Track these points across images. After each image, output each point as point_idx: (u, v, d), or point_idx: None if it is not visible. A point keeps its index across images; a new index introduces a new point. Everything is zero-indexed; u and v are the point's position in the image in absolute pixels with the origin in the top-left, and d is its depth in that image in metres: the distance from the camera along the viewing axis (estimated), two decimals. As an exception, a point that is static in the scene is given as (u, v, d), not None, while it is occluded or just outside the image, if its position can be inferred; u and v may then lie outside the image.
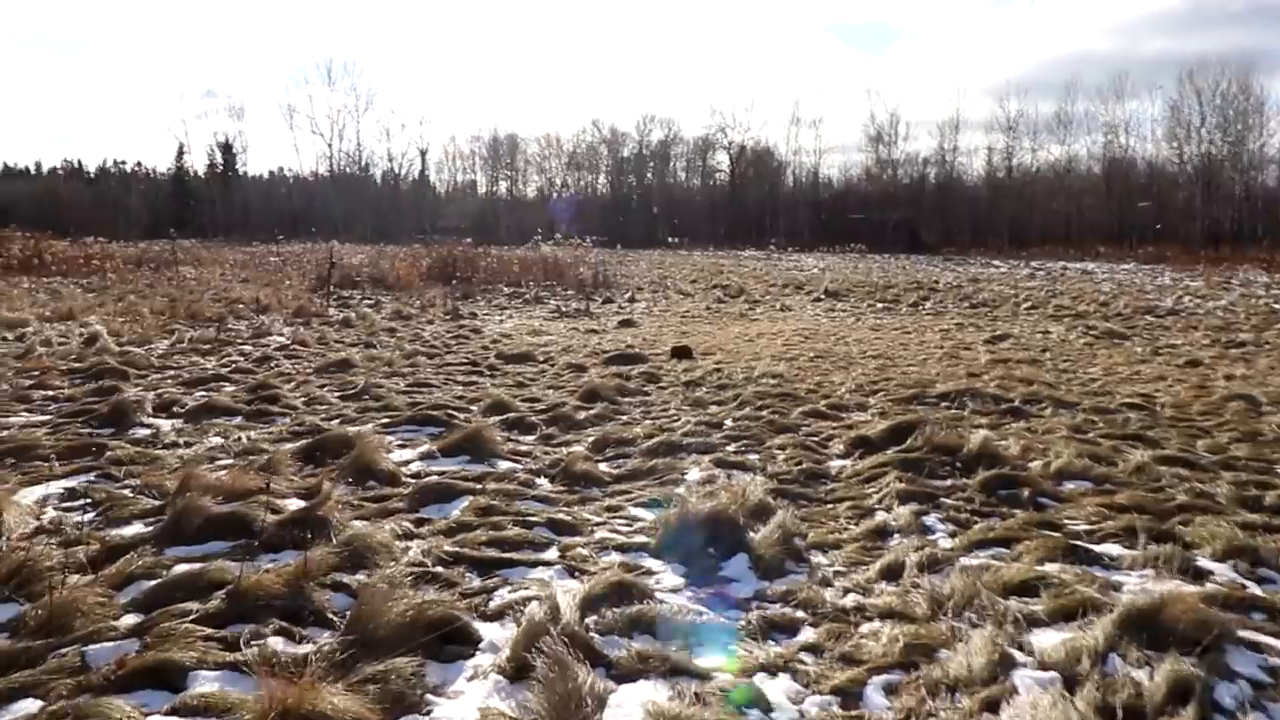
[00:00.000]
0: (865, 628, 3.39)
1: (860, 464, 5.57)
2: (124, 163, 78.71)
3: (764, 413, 7.02)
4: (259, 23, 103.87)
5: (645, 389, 8.14)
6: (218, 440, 6.10)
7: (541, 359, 9.94)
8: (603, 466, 5.49)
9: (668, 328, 13.81)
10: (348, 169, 72.89)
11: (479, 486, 4.90)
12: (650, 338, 12.30)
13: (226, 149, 71.65)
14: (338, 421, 6.65)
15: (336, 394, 7.68)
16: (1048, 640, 3.21)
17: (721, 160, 75.92)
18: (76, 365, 8.81)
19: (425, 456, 5.61)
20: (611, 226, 56.73)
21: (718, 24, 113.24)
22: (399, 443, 6.02)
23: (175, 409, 6.91)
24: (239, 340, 11.25)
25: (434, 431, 6.32)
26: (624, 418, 6.87)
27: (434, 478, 5.13)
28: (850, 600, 3.62)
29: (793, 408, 7.31)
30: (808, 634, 3.35)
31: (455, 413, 6.86)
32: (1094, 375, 9.26)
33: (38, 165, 78.26)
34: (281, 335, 11.73)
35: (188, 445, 5.95)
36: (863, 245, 53.08)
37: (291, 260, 30.48)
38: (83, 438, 6.02)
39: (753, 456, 5.80)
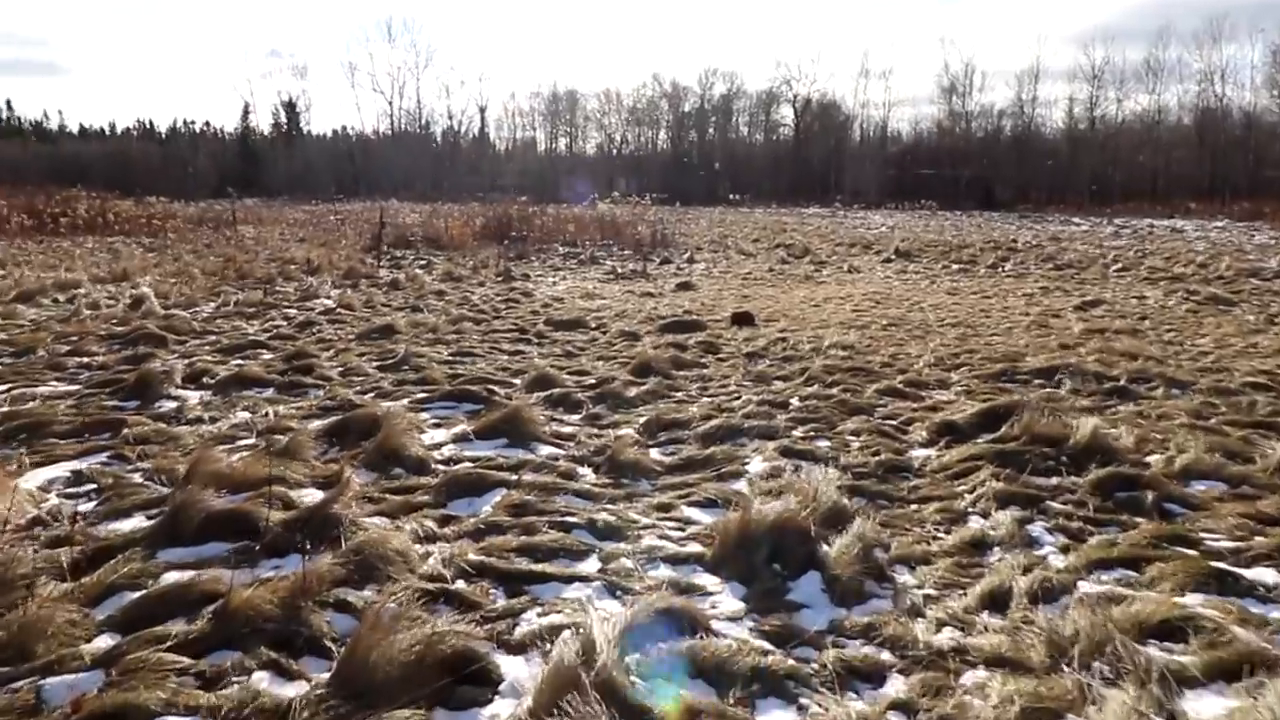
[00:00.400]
0: (968, 678, 2.77)
1: (947, 455, 4.88)
2: (193, 123, 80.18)
3: (834, 390, 6.34)
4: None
5: (703, 361, 7.52)
6: (244, 415, 5.70)
7: (593, 325, 9.38)
8: (654, 454, 4.92)
9: (728, 291, 13.10)
10: (408, 127, 72.98)
11: (514, 478, 4.37)
12: (709, 302, 11.63)
13: (290, 108, 72.35)
14: (372, 395, 6.21)
15: (375, 363, 7.24)
16: (1207, 710, 2.55)
17: (786, 114, 73.87)
18: (117, 330, 8.57)
19: (460, 439, 5.10)
20: (671, 183, 55.64)
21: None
22: (433, 421, 5.54)
23: (206, 379, 6.54)
24: (285, 303, 10.94)
25: (472, 409, 5.81)
26: (679, 395, 6.27)
27: (466, 465, 4.63)
28: (947, 638, 2.99)
29: (866, 384, 6.62)
30: (897, 684, 2.75)
31: (496, 387, 6.34)
32: (1204, 348, 8.30)
33: (111, 126, 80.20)
34: (329, 298, 11.39)
35: (212, 421, 5.56)
36: (933, 202, 51.03)
37: (350, 219, 30.44)
38: (105, 411, 5.68)
39: (823, 444, 5.15)
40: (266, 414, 5.70)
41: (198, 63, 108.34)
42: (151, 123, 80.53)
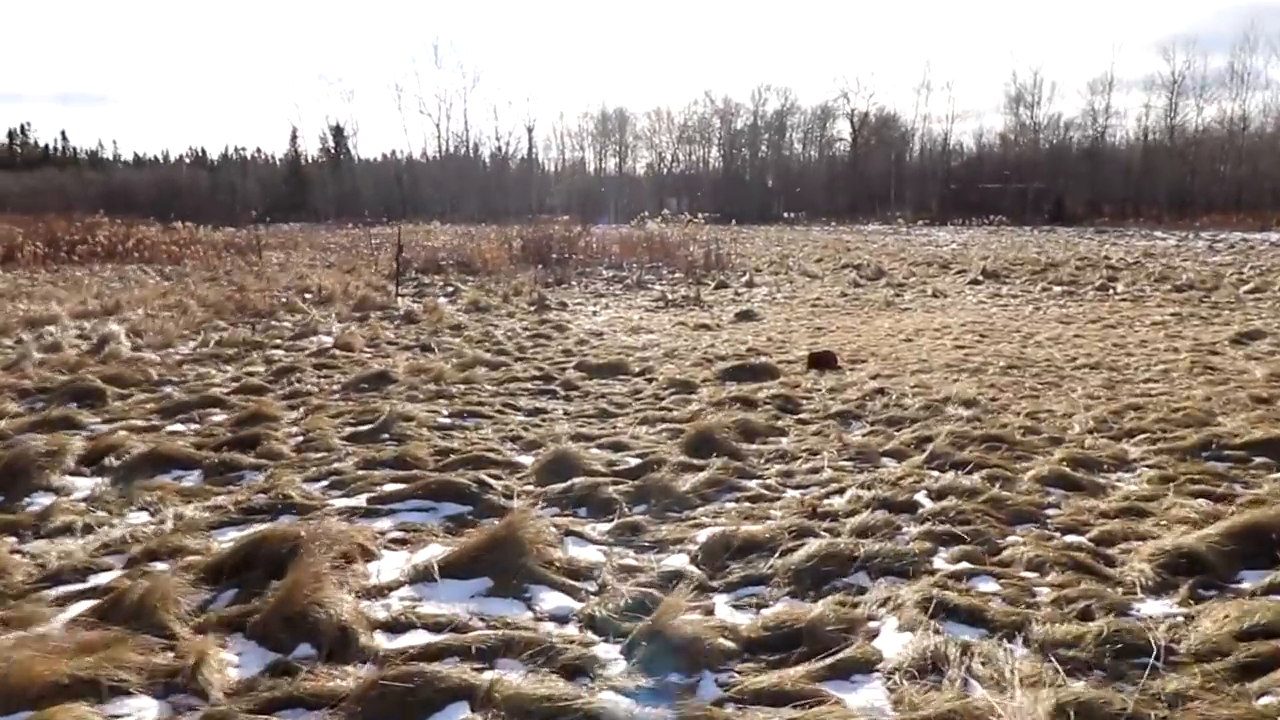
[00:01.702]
0: None
1: (1205, 621, 2.93)
2: (243, 149, 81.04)
3: (974, 477, 4.41)
4: (366, 3, 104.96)
5: (779, 424, 5.64)
6: (138, 520, 4.02)
7: (636, 370, 7.57)
8: (722, 610, 3.07)
9: (796, 321, 11.19)
10: (456, 149, 72.59)
11: (487, 682, 2.54)
12: (777, 336, 9.74)
13: (337, 132, 72.43)
14: (325, 485, 4.47)
15: (347, 431, 5.52)
16: None
17: (842, 129, 71.62)
18: (56, 380, 7.02)
19: (421, 577, 3.31)
20: (723, 202, 53.88)
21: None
22: (393, 537, 3.76)
23: (110, 460, 4.88)
24: (275, 342, 9.36)
25: (454, 513, 4.03)
26: (752, 485, 4.41)
27: (418, 639, 2.83)
28: None
29: (1014, 465, 4.68)
30: None
31: (497, 473, 4.55)
32: None
33: (165, 154, 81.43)
34: (329, 335, 9.79)
35: (85, 531, 3.87)
36: (1002, 217, 48.27)
37: (390, 242, 29.21)
38: (-56, 515, 4.04)
39: (987, 586, 3.25)
40: (164, 521, 3.99)
41: (249, 90, 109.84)
42: (203, 150, 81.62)
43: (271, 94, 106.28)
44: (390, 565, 3.47)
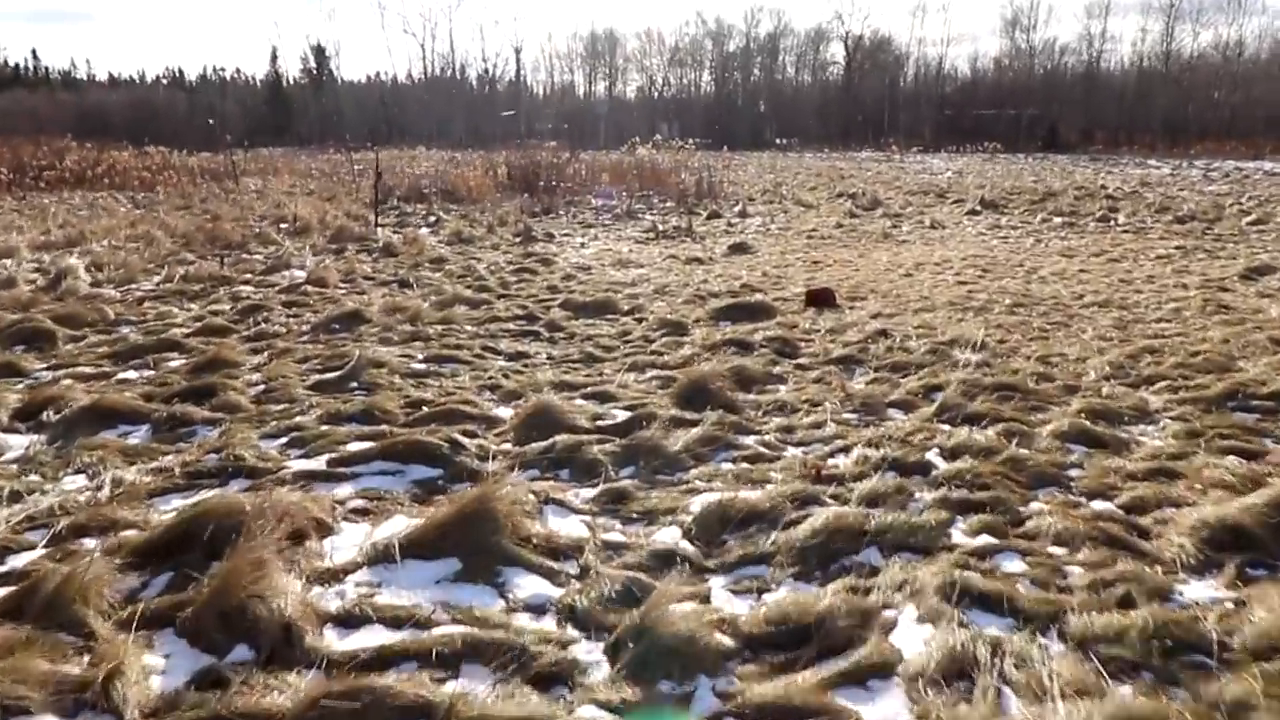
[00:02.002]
0: None
1: (1259, 609, 2.62)
2: (222, 70, 78.34)
3: (989, 432, 4.07)
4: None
5: (776, 370, 5.27)
6: (71, 486, 3.64)
7: (625, 308, 7.15)
8: (719, 599, 2.74)
9: (792, 254, 10.73)
10: (442, 71, 70.36)
11: (448, 698, 2.19)
12: (773, 270, 9.30)
13: (319, 52, 69.99)
14: (282, 443, 4.08)
15: (313, 379, 5.11)
16: None
17: (836, 53, 69.69)
18: (4, 319, 6.55)
19: (380, 558, 2.95)
20: (715, 127, 52.54)
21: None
22: (354, 506, 3.40)
23: (50, 414, 4.47)
24: (245, 277, 8.87)
25: (423, 478, 3.66)
26: (750, 442, 4.05)
27: (371, 639, 2.49)
28: None
29: (1030, 418, 4.35)
30: None
31: (471, 429, 4.17)
32: None
33: (141, 75, 78.62)
34: (302, 269, 9.29)
35: (12, 500, 3.49)
36: (996, 144, 47.30)
37: (373, 168, 28.26)
38: None
39: (1013, 564, 2.93)
40: (101, 487, 3.61)
41: (227, 8, 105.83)
42: (181, 71, 78.79)
43: (251, 12, 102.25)
44: (348, 542, 3.11)
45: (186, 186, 21.18)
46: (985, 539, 3.09)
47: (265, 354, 5.77)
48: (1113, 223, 13.62)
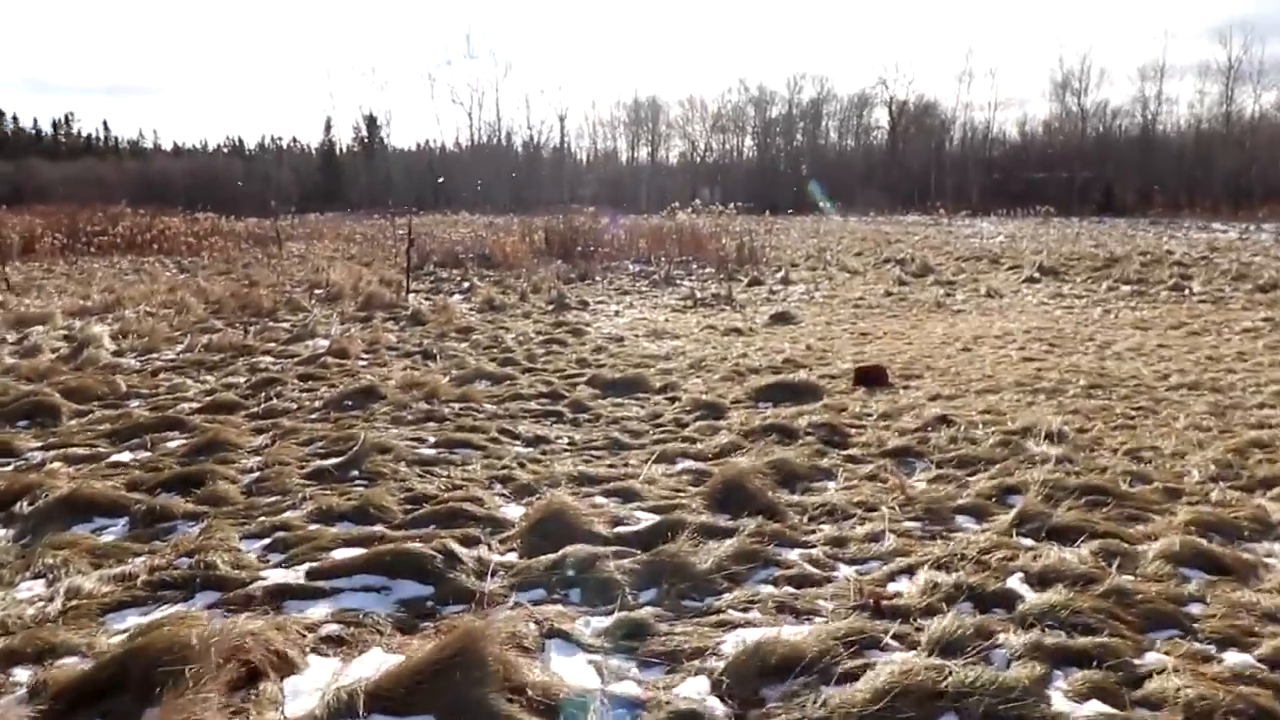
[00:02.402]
0: None
1: None
2: (279, 138, 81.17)
3: (1080, 548, 3.43)
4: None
5: (823, 463, 4.68)
6: (25, 594, 3.21)
7: (657, 385, 6.63)
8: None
9: (838, 324, 10.17)
10: (488, 138, 72.01)
11: None
12: (817, 343, 8.74)
13: (371, 122, 72.21)
14: (262, 547, 3.60)
15: (312, 466, 4.66)
16: None
17: (879, 118, 69.86)
18: (7, 394, 6.25)
19: (342, 711, 2.41)
20: (757, 192, 52.58)
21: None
22: (324, 634, 2.88)
23: (24, 504, 4.05)
24: (267, 346, 8.57)
25: (410, 597, 3.14)
26: (793, 559, 3.45)
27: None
28: None
29: (1127, 528, 3.70)
30: None
31: (471, 536, 3.63)
32: None
33: (204, 144, 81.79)
34: (326, 338, 8.98)
35: (-56, 616, 3.05)
36: (1049, 207, 46.39)
37: (421, 233, 28.48)
38: None
39: (1135, 745, 2.29)
40: (54, 598, 3.16)
41: (286, 82, 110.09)
42: (240, 140, 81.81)
43: (307, 85, 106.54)
44: (311, 683, 2.59)
45: (231, 251, 21.43)
46: (1096, 707, 2.45)
47: (270, 434, 5.35)
48: (1187, 292, 12.82)
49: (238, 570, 3.30)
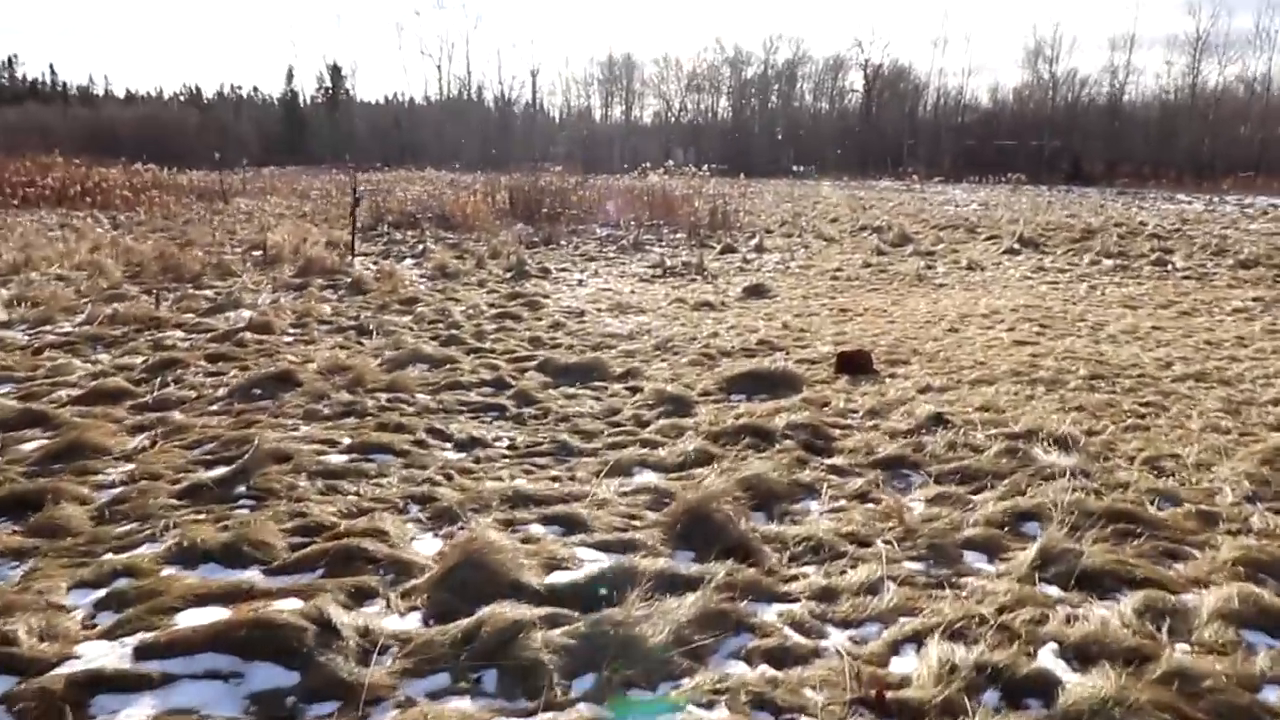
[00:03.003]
0: None
1: None
2: (239, 88, 78.25)
3: (1119, 602, 2.78)
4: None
5: (805, 476, 3.97)
6: None
7: (617, 371, 5.89)
8: None
9: (816, 298, 9.46)
10: (458, 93, 69.90)
11: None
12: (794, 321, 8.03)
13: (335, 72, 69.68)
14: (90, 604, 2.82)
15: (191, 479, 3.85)
16: None
17: (854, 81, 68.83)
18: None
19: None
20: (731, 154, 51.63)
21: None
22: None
23: None
24: (185, 317, 7.68)
25: (266, 690, 2.36)
26: (771, 621, 2.74)
27: None
28: None
29: (1165, 566, 3.07)
30: None
31: (366, 588, 2.88)
32: None
33: (158, 91, 78.57)
34: (253, 308, 8.08)
35: None
36: (1020, 175, 45.97)
37: (379, 190, 27.24)
38: None
39: None
40: None
41: (248, 28, 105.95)
42: (197, 88, 78.65)
43: (270, 32, 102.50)
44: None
45: (173, 207, 20.14)
46: None
47: (151, 433, 4.53)
48: (1170, 267, 12.28)
49: (45, 644, 2.52)
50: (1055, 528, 3.29)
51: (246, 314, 7.77)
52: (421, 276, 10.48)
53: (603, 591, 2.74)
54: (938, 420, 4.74)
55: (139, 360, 6.10)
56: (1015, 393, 5.46)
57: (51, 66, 74.83)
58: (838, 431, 4.65)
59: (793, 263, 12.55)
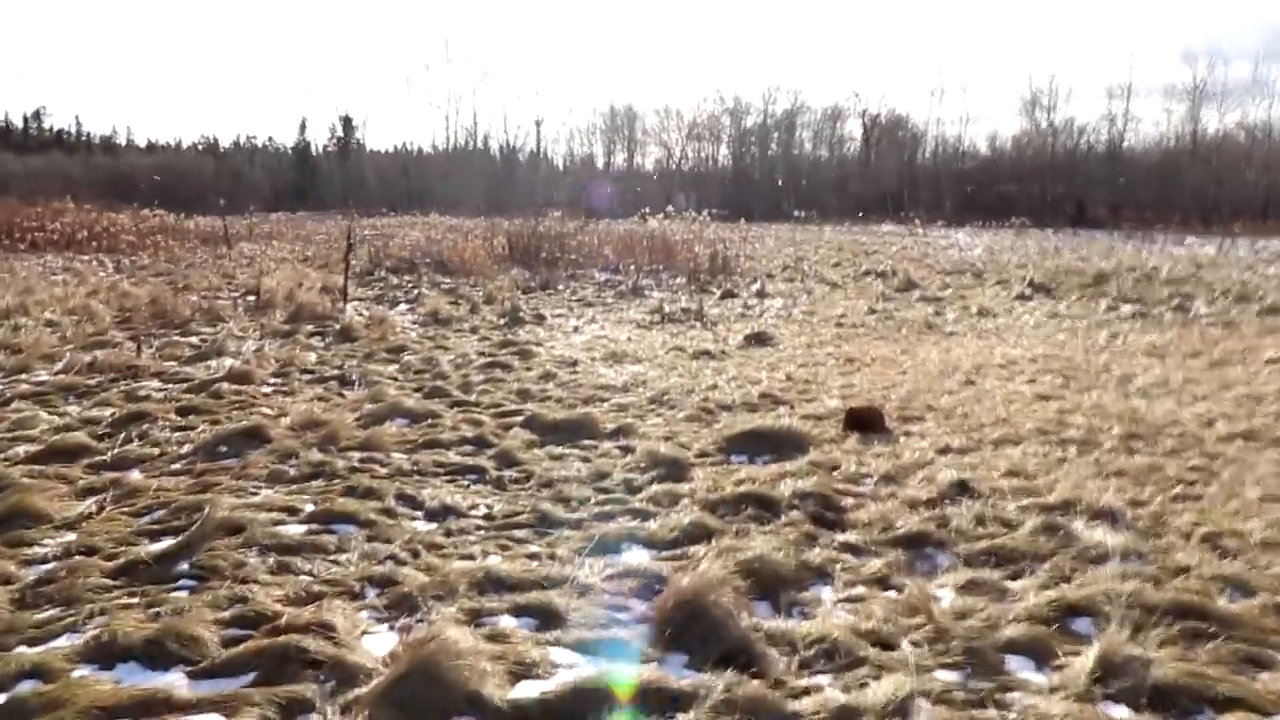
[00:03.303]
0: None
1: None
2: (254, 138, 79.18)
3: (1204, 714, 2.33)
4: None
5: (814, 557, 3.54)
6: None
7: (609, 428, 5.48)
8: None
9: (820, 347, 9.06)
10: (465, 142, 70.52)
11: None
12: (798, 371, 7.62)
13: (347, 123, 70.50)
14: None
15: (128, 556, 3.44)
16: None
17: (852, 129, 69.52)
18: None
19: None
20: (732, 199, 51.73)
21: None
22: None
23: None
24: (166, 365, 7.31)
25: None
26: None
27: None
28: None
29: (1249, 678, 2.62)
30: None
31: (301, 700, 2.46)
32: None
33: (177, 141, 79.45)
34: (235, 356, 7.71)
35: None
36: (1024, 219, 45.85)
37: (382, 234, 27.08)
38: None
39: None
40: None
41: (263, 81, 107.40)
42: (215, 138, 79.57)
43: (285, 85, 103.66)
44: None
45: (177, 251, 19.94)
46: None
47: (100, 498, 4.12)
48: (1192, 314, 11.88)
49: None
50: (1113, 628, 2.84)
51: (229, 362, 7.39)
52: (413, 322, 10.11)
53: (577, 711, 2.30)
54: (961, 488, 4.31)
55: (108, 413, 5.70)
56: (1044, 455, 5.03)
57: (77, 118, 75.99)
58: (850, 500, 4.22)
59: (795, 309, 12.18)
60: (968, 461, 4.84)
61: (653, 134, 74.16)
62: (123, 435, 5.22)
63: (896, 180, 62.98)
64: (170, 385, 6.69)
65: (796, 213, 51.93)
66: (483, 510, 4.07)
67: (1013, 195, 57.35)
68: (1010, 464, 4.79)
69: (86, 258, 18.64)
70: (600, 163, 75.38)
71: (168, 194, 37.86)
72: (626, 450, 5.02)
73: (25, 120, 75.98)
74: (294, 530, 3.76)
